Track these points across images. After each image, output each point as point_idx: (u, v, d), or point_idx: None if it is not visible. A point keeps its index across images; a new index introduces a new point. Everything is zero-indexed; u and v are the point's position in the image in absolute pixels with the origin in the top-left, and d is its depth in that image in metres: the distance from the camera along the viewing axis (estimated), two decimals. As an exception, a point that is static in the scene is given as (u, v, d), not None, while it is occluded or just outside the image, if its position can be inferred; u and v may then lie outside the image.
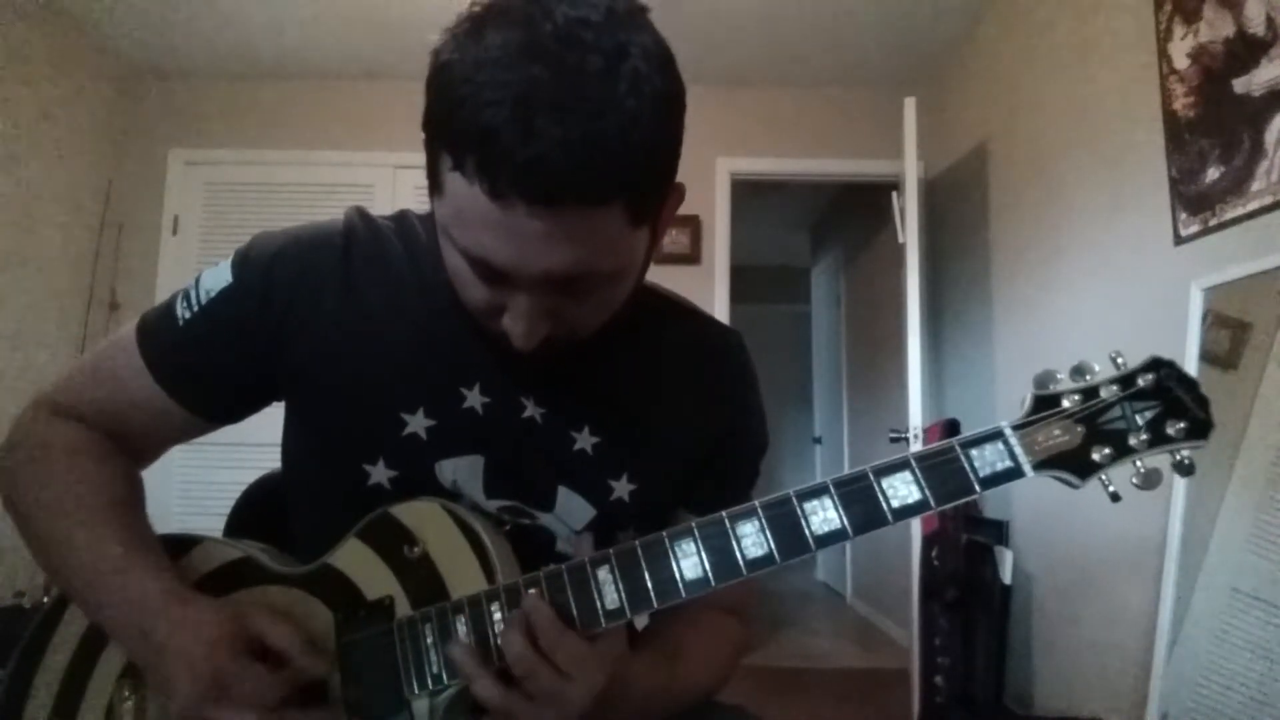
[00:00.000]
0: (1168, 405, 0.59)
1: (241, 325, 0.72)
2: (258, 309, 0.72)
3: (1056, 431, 0.59)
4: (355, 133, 3.51)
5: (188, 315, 0.73)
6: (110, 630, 0.69)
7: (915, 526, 2.65)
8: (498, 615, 0.63)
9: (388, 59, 3.33)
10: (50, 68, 3.05)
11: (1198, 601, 1.63)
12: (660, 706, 0.71)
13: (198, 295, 0.73)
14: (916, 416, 2.65)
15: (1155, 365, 0.60)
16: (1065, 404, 0.60)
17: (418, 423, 0.72)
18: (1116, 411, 0.60)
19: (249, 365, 0.74)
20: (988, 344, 2.90)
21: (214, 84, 3.56)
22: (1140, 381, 0.60)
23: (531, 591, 0.63)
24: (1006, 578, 2.40)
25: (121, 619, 0.67)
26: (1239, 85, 1.68)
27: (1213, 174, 1.75)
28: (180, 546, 0.75)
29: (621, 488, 0.75)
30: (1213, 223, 1.74)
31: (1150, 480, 0.58)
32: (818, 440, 5.50)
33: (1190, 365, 1.71)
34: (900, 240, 2.82)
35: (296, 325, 0.72)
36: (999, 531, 2.48)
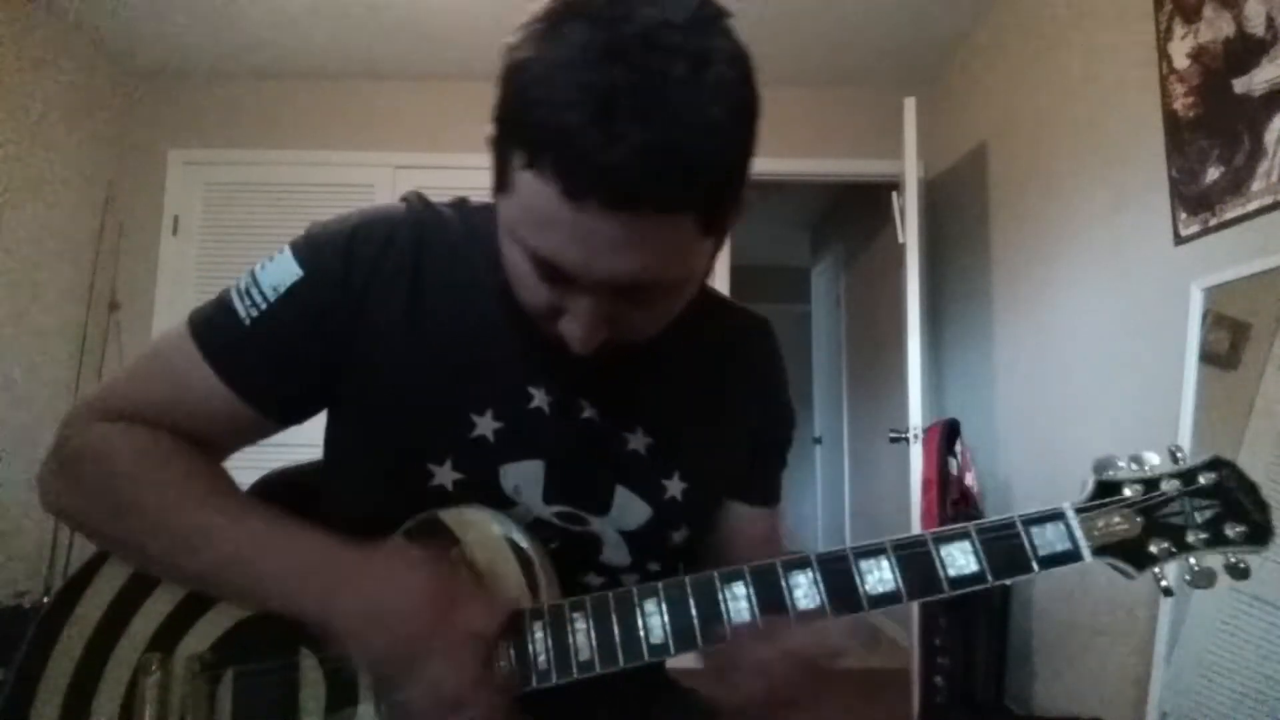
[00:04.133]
0: (1227, 506, 0.60)
1: (322, 313, 0.69)
2: (339, 291, 0.69)
3: (1117, 519, 0.60)
4: (355, 133, 3.49)
5: (255, 314, 0.69)
6: (277, 601, 0.64)
7: (915, 527, 2.65)
8: (539, 635, 0.62)
9: (388, 59, 3.31)
10: (50, 68, 3.05)
11: (1198, 601, 1.63)
12: None
13: (261, 292, 0.69)
14: (916, 416, 2.65)
15: (1216, 464, 0.62)
16: (1127, 492, 0.61)
17: (486, 425, 0.70)
18: (1176, 506, 0.60)
19: (326, 357, 0.70)
20: (988, 344, 2.90)
21: (214, 84, 3.56)
22: (1201, 479, 0.61)
23: None
24: (1006, 578, 2.40)
25: (294, 586, 0.63)
26: (1239, 85, 1.68)
27: (1213, 174, 1.75)
28: None
29: (674, 487, 0.75)
30: (1213, 223, 1.74)
31: (1203, 579, 0.59)
32: (818, 440, 5.49)
33: (1190, 365, 1.71)
34: (900, 240, 2.82)
35: (371, 307, 0.69)
36: (999, 531, 2.47)
